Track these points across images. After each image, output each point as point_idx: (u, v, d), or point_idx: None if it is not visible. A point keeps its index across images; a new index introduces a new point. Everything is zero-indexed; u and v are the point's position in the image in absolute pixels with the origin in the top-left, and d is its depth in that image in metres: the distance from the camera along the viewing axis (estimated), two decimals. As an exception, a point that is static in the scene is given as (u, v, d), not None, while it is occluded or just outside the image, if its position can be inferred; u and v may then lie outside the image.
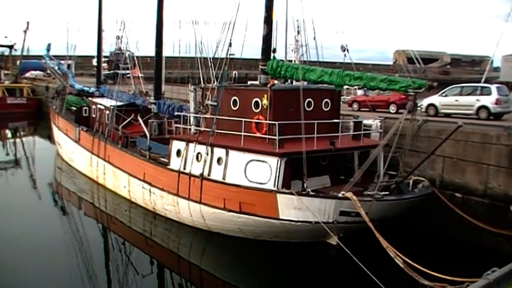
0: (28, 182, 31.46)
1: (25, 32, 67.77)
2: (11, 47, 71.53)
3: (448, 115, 27.36)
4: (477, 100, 27.09)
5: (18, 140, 52.03)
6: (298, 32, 22.60)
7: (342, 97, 26.53)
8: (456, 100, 27.85)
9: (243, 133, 19.39)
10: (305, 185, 17.90)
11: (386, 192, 18.09)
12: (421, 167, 19.00)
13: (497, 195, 18.87)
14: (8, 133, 55.88)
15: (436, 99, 28.33)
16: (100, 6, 37.23)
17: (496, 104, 26.50)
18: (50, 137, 41.63)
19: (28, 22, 67.68)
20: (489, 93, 27.05)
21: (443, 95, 28.47)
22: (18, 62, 72.50)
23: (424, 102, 27.70)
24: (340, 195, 17.18)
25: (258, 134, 19.64)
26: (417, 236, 19.12)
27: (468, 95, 27.97)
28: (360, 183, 18.47)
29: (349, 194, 16.85)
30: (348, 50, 19.63)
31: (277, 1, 21.18)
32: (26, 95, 65.34)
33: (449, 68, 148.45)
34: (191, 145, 20.75)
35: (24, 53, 70.89)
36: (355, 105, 32.86)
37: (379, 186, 18.19)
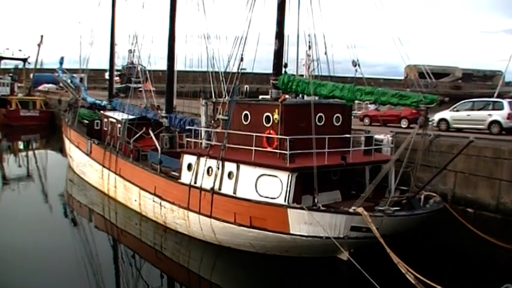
0: (40, 194, 31.62)
1: (39, 45, 68.69)
2: (24, 60, 72.41)
3: (459, 130, 27.24)
4: (489, 115, 26.96)
5: (30, 152, 52.42)
6: (310, 47, 22.61)
7: (353, 112, 26.53)
8: (468, 115, 27.75)
9: (254, 147, 19.41)
10: (316, 200, 17.83)
11: (398, 208, 18.00)
12: (432, 182, 18.90)
13: (509, 210, 18.71)
14: (21, 145, 56.35)
15: (447, 114, 28.24)
16: (113, 21, 37.61)
17: (508, 118, 26.35)
18: (62, 150, 41.86)
19: (42, 36, 68.64)
20: (501, 108, 26.92)
21: (455, 109, 28.38)
22: (31, 75, 73.26)
23: (436, 117, 27.64)
24: (351, 210, 17.10)
25: (269, 149, 19.61)
26: (429, 251, 18.97)
27: (480, 109, 27.85)
28: (371, 198, 18.41)
29: (360, 209, 16.79)
30: (359, 65, 19.73)
31: (289, 16, 21.26)
32: (38, 107, 65.98)
33: (461, 82, 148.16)
34: (202, 159, 20.79)
35: (38, 66, 71.74)
36: (367, 120, 32.81)
37: (390, 202, 18.08)
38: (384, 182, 19.09)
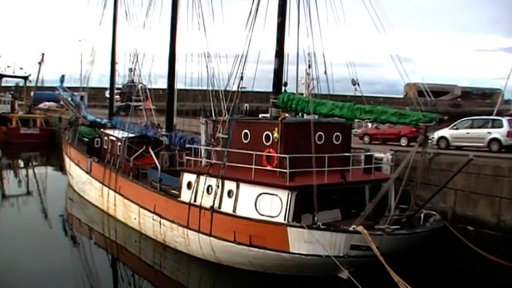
0: (39, 211, 31.56)
1: (40, 63, 69.09)
2: (25, 78, 72.83)
3: (459, 148, 27.26)
4: (488, 133, 26.98)
5: (30, 170, 52.44)
6: (309, 66, 22.75)
7: (352, 130, 26.56)
8: (467, 133, 27.77)
9: (253, 166, 19.42)
10: (316, 219, 17.81)
11: (398, 226, 17.97)
12: (432, 200, 18.90)
13: (510, 228, 18.66)
14: (21, 163, 56.40)
15: (447, 132, 28.25)
16: (114, 39, 37.90)
17: (507, 136, 26.37)
18: (62, 168, 41.84)
19: (43, 54, 69.23)
20: (500, 126, 26.96)
21: (454, 127, 28.41)
22: (32, 93, 73.55)
23: (435, 135, 27.66)
24: (351, 229, 17.09)
25: (268, 167, 19.62)
26: (429, 270, 18.94)
27: (479, 127, 27.88)
28: (371, 216, 18.38)
29: (360, 228, 16.77)
30: (358, 84, 19.83)
31: (288, 35, 21.41)
32: (39, 125, 66.11)
33: (460, 100, 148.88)
34: (202, 177, 20.81)
35: (39, 84, 72.09)
36: (366, 138, 32.80)
37: (390, 220, 18.07)
38: (383, 201, 19.08)
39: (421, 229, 18.42)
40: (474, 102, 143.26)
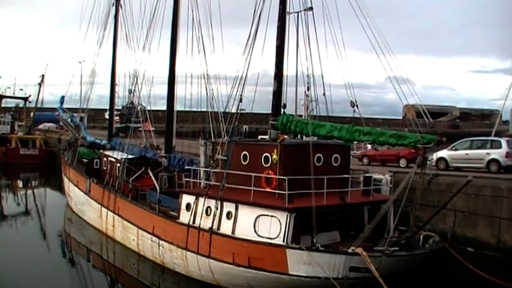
0: (38, 232, 31.55)
1: (40, 84, 69.36)
2: (25, 99, 73.06)
3: (458, 169, 27.32)
4: (487, 153, 27.12)
5: (29, 190, 52.44)
6: (308, 88, 22.88)
7: (352, 151, 26.62)
8: (466, 154, 27.90)
9: (252, 188, 19.41)
10: (315, 240, 17.76)
11: (397, 248, 17.91)
12: (432, 221, 18.88)
13: (510, 249, 18.67)
14: (20, 183, 56.39)
15: (446, 153, 28.38)
16: (114, 61, 38.18)
17: (506, 157, 26.51)
18: (60, 188, 41.82)
19: (43, 75, 69.47)
20: (499, 147, 27.11)
21: (453, 148, 28.54)
22: (32, 113, 73.74)
23: (434, 156, 27.73)
24: (350, 250, 17.03)
25: (267, 189, 19.61)
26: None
27: (478, 148, 28.04)
28: (370, 238, 18.32)
29: (359, 250, 16.72)
30: (357, 106, 19.93)
31: (287, 57, 21.61)
32: (38, 146, 66.19)
33: (459, 121, 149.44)
34: (201, 199, 20.79)
35: (39, 105, 72.24)
36: (365, 160, 32.91)
37: (389, 242, 18.02)
38: (382, 222, 19.03)
39: (420, 250, 18.35)
40: (473, 123, 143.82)
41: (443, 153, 28.34)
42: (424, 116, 20.01)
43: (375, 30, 18.76)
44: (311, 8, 21.86)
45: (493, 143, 27.93)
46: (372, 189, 20.94)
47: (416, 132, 18.18)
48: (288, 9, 21.89)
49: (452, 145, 28.61)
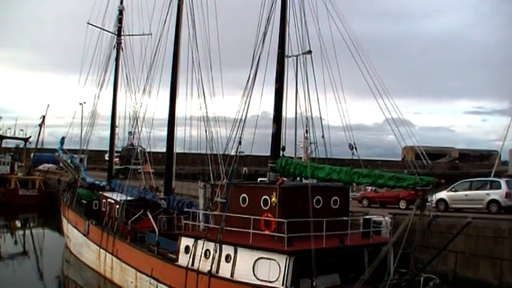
0: (35, 273, 31.41)
1: (40, 125, 69.71)
2: (26, 139, 73.31)
3: (458, 210, 27.27)
4: (487, 194, 27.12)
5: (27, 231, 52.32)
6: (307, 131, 23.02)
7: (351, 193, 26.59)
8: (466, 195, 27.89)
9: (251, 230, 19.33)
10: (314, 284, 17.58)
11: (397, 291, 17.76)
12: (432, 263, 18.73)
13: (512, 290, 18.52)
14: (18, 224, 56.22)
15: (445, 194, 28.37)
16: (114, 104, 38.57)
17: (506, 197, 26.51)
18: (59, 229, 41.68)
19: (44, 116, 69.90)
20: (499, 187, 27.13)
21: (453, 189, 28.53)
22: (32, 154, 73.95)
23: (434, 197, 27.72)
24: (350, 294, 16.89)
25: (266, 232, 19.53)
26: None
27: (478, 189, 28.06)
28: (370, 281, 18.11)
29: (359, 293, 16.58)
30: (356, 148, 20.00)
31: (286, 100, 21.80)
32: (37, 187, 66.14)
33: (458, 162, 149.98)
34: (200, 242, 20.68)
35: (39, 146, 72.50)
36: (365, 202, 32.85)
37: (389, 284, 17.85)
38: (382, 264, 18.89)
39: (420, 294, 18.17)
40: (472, 164, 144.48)
41: (443, 194, 28.34)
42: (422, 158, 20.08)
43: (373, 72, 19.02)
44: (310, 52, 22.19)
45: (492, 183, 27.96)
46: (372, 231, 20.87)
47: (415, 174, 18.21)
48: (286, 53, 22.17)
49: (452, 186, 28.62)
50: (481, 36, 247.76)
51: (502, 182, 27.69)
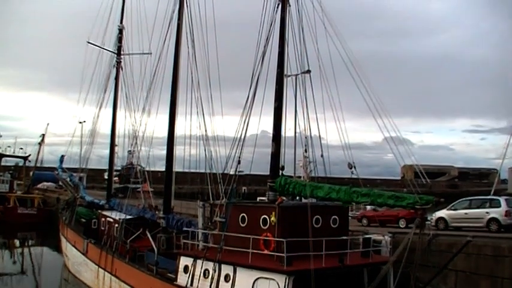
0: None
1: (40, 144, 69.79)
2: (25, 158, 73.40)
3: (458, 228, 27.21)
4: (487, 212, 27.07)
5: (26, 249, 52.15)
6: (306, 150, 23.04)
7: (351, 212, 26.54)
8: (466, 213, 27.84)
9: (251, 250, 19.25)
10: (314, 303, 17.51)
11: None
12: (433, 282, 18.69)
13: (514, 309, 18.41)
14: (17, 242, 56.06)
15: (445, 212, 28.32)
16: (113, 123, 38.64)
17: (505, 215, 26.45)
18: (58, 248, 41.54)
19: (43, 135, 69.98)
20: (498, 206, 27.09)
21: (453, 208, 28.48)
22: (31, 172, 73.97)
23: (434, 215, 27.69)
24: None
25: (266, 251, 19.46)
26: None
27: (477, 207, 27.99)
28: (370, 300, 18.11)
29: (359, 313, 16.50)
30: (355, 167, 19.99)
31: (285, 119, 21.87)
32: (36, 205, 66.03)
33: (457, 181, 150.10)
34: (199, 261, 20.58)
35: (38, 164, 72.54)
36: (365, 221, 32.74)
37: (389, 304, 17.81)
38: (383, 284, 18.82)
39: (421, 314, 18.10)
40: (471, 183, 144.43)
41: (443, 213, 28.29)
42: (421, 177, 20.13)
43: (371, 91, 19.10)
44: (309, 71, 22.30)
45: (492, 202, 27.92)
46: (372, 250, 20.79)
47: (414, 193, 18.20)
48: (285, 72, 22.26)
49: (452, 205, 28.58)
50: (480, 54, 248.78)
51: (502, 200, 27.66)
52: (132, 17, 37.55)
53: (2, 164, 74.44)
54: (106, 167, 42.57)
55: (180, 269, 21.53)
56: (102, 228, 32.15)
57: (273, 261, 18.83)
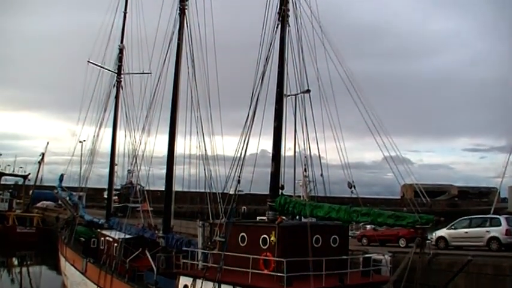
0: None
1: (40, 163, 69.82)
2: (25, 177, 73.42)
3: (458, 247, 27.14)
4: (487, 231, 27.04)
5: (24, 268, 51.92)
6: (306, 170, 23.06)
7: (351, 231, 26.47)
8: (466, 232, 27.82)
9: (250, 270, 19.17)
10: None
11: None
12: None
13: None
14: (15, 261, 55.84)
15: (445, 231, 28.30)
16: (113, 142, 38.69)
17: (506, 234, 26.41)
18: (57, 267, 41.35)
19: (43, 154, 70.01)
20: (498, 224, 27.10)
21: (453, 227, 28.46)
22: (31, 191, 73.95)
23: (434, 235, 27.64)
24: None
25: (265, 271, 19.37)
26: None
27: (477, 226, 27.99)
28: (371, 321, 18.02)
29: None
30: (354, 187, 20.00)
31: (285, 138, 21.91)
32: (36, 224, 65.93)
33: (457, 200, 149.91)
34: (198, 281, 20.48)
35: (38, 183, 72.52)
36: (365, 240, 32.66)
37: (390, 325, 17.69)
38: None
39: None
40: (471, 202, 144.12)
41: (443, 232, 28.28)
42: (421, 196, 20.12)
43: (371, 111, 19.19)
44: (308, 91, 22.38)
45: (492, 220, 27.92)
46: (372, 270, 20.72)
47: (414, 212, 18.19)
48: (285, 92, 22.35)
49: (452, 224, 28.56)
50: (479, 75, 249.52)
51: (502, 219, 27.66)
52: (133, 37, 37.81)
53: (2, 182, 74.39)
54: (106, 186, 42.52)
55: (179, 289, 21.46)
56: (102, 247, 32.01)
57: (273, 281, 18.74)
